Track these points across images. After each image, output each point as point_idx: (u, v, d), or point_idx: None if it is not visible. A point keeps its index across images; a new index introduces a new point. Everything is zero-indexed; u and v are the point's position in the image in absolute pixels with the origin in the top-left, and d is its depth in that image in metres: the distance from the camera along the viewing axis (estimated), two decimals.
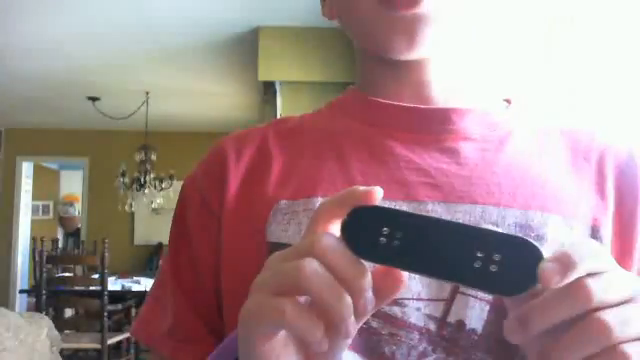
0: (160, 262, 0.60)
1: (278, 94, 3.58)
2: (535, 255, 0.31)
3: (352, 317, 0.32)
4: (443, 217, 0.45)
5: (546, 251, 0.31)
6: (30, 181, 7.15)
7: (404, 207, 0.47)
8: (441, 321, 0.44)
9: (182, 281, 0.54)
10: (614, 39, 1.48)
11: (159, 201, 5.59)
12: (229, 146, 0.55)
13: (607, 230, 0.48)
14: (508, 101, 0.57)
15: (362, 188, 0.33)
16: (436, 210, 0.47)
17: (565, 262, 0.30)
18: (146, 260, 6.86)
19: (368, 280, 0.32)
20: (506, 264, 0.30)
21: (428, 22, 0.47)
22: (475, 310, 0.44)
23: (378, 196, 0.33)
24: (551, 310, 0.30)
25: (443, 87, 0.53)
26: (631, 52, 1.44)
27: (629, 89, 1.44)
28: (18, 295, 6.55)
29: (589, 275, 0.31)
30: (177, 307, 0.54)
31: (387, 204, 0.47)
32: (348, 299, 0.32)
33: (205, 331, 0.53)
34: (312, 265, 0.32)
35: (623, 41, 1.45)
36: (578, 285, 0.31)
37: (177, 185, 5.51)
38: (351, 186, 0.48)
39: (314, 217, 0.36)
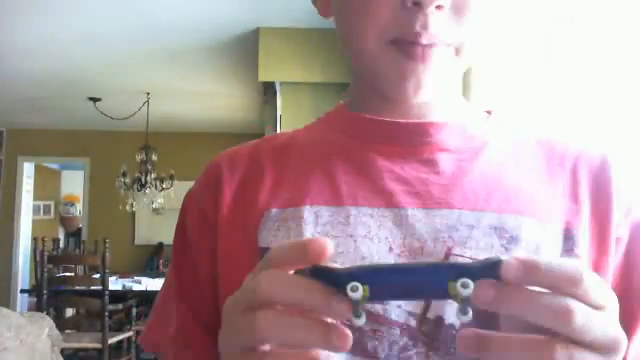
0: (166, 271, 0.65)
1: (278, 94, 3.59)
2: (497, 259, 0.31)
3: (335, 331, 0.31)
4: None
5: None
6: (31, 181, 7.16)
7: (385, 213, 0.50)
8: (421, 317, 0.47)
9: (185, 290, 0.58)
10: (614, 39, 1.48)
11: (160, 201, 5.59)
12: (224, 161, 0.59)
13: (581, 233, 0.51)
14: (489, 112, 0.60)
15: (312, 246, 0.32)
16: (415, 215, 0.50)
17: (529, 264, 0.31)
18: (147, 260, 6.87)
19: (324, 293, 0.31)
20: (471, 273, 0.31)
21: (435, 75, 0.51)
22: (453, 307, 0.46)
23: (329, 253, 0.32)
24: (511, 348, 0.31)
25: (427, 103, 0.56)
26: (631, 52, 1.44)
27: (629, 89, 1.44)
28: (19, 295, 6.57)
29: (561, 339, 0.31)
30: (180, 315, 0.58)
31: (370, 212, 0.51)
32: (315, 328, 0.31)
33: (206, 338, 0.56)
34: (266, 318, 0.32)
35: (623, 41, 1.45)
36: (546, 339, 0.31)
37: (178, 185, 5.55)
38: (337, 194, 0.52)
39: (265, 267, 0.35)
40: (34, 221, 7.29)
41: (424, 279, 0.31)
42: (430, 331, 0.46)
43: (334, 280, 0.31)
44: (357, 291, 0.31)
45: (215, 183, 0.57)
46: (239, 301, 0.35)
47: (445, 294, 0.31)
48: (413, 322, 0.47)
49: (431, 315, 0.47)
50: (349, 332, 0.31)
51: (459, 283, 0.30)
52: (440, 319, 0.46)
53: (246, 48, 3.79)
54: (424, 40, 0.49)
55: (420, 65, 0.50)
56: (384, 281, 0.31)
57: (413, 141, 0.54)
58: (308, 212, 0.52)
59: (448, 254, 0.48)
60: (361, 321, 0.31)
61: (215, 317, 0.55)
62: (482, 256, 0.48)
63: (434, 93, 0.53)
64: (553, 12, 1.65)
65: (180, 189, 5.86)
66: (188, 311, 0.57)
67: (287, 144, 0.60)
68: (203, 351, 0.55)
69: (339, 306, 0.31)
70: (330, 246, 0.32)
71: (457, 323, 0.46)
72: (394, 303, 0.47)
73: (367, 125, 0.56)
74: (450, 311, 0.46)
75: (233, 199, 0.56)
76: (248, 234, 0.53)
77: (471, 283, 0.30)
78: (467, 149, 0.55)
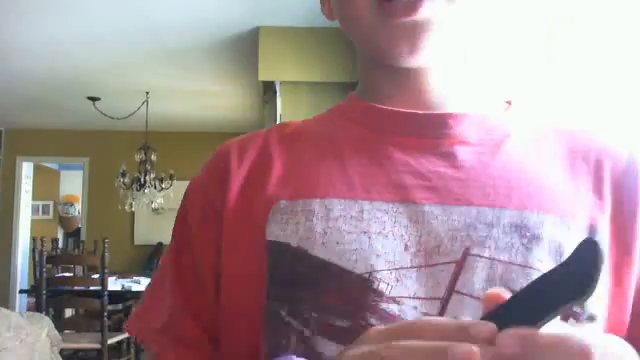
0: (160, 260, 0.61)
1: (278, 94, 3.58)
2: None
3: None
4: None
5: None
6: (30, 181, 7.15)
7: (401, 209, 0.48)
8: None
9: (183, 281, 0.55)
10: (614, 39, 1.48)
11: (159, 201, 5.58)
12: (232, 149, 0.57)
13: (605, 230, 0.48)
14: (509, 103, 0.58)
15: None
16: (432, 212, 0.48)
17: (526, 338, 0.27)
18: (146, 260, 6.86)
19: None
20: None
21: (428, 28, 0.48)
22: (470, 309, 0.44)
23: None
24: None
25: (443, 92, 0.54)
26: (631, 52, 1.44)
27: (630, 89, 1.44)
28: (18, 295, 6.56)
29: None
30: (174, 306, 0.54)
31: (384, 207, 0.48)
32: None
33: (199, 335, 0.53)
34: None
35: (623, 41, 1.45)
36: None
37: (177, 185, 5.53)
38: (349, 187, 0.49)
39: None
40: (33, 221, 7.28)
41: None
42: None
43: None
44: None
45: (222, 172, 0.55)
46: None
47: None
48: None
49: (448, 316, 0.45)
50: None
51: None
52: None
53: (246, 48, 3.78)
54: None
55: (406, 20, 0.47)
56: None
57: (431, 133, 0.52)
58: (319, 205, 0.49)
59: (466, 254, 0.46)
60: None
61: (212, 312, 0.52)
62: (501, 257, 0.46)
63: (434, 51, 0.50)
64: (553, 12, 1.65)
65: (179, 189, 5.87)
66: (184, 304, 0.54)
67: (297, 133, 0.57)
68: (193, 350, 0.52)
69: None
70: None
71: None
72: (410, 304, 0.45)
73: (381, 116, 0.54)
74: (467, 313, 0.44)
75: (240, 189, 0.53)
76: (255, 226, 0.50)
77: None
78: (488, 142, 0.52)
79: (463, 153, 0.51)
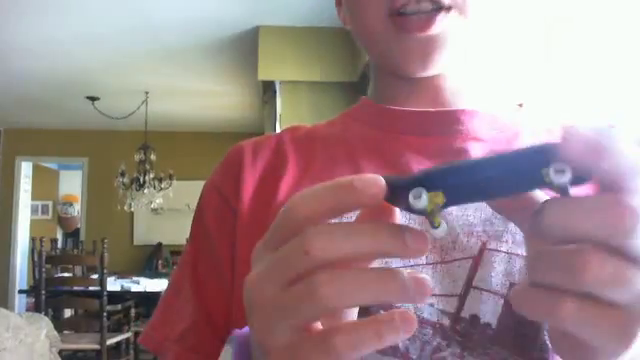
0: (174, 270, 0.59)
1: (278, 94, 3.59)
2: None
3: (412, 280, 0.26)
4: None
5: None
6: (29, 181, 7.15)
7: None
8: (455, 316, 0.44)
9: (201, 286, 0.54)
10: (614, 39, 1.48)
11: (158, 201, 5.59)
12: (246, 148, 0.57)
13: None
14: (520, 105, 0.59)
15: (365, 188, 0.26)
16: (447, 208, 0.47)
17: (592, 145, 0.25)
18: (145, 260, 6.86)
19: (391, 235, 0.26)
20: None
21: (441, 43, 0.49)
22: (489, 304, 0.44)
23: (384, 191, 0.26)
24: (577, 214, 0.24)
25: (455, 91, 0.55)
26: (631, 52, 1.44)
27: (629, 89, 1.44)
28: (17, 295, 6.56)
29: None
30: (192, 314, 0.54)
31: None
32: (386, 276, 0.26)
33: (215, 343, 0.52)
34: (328, 281, 0.26)
35: (623, 41, 1.45)
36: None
37: (176, 185, 5.54)
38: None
39: (289, 219, 0.28)
40: (32, 221, 7.28)
41: (511, 171, 0.25)
42: (465, 330, 0.44)
43: (399, 192, 0.25)
44: (420, 198, 0.25)
45: (237, 171, 0.55)
46: (277, 273, 0.28)
47: (541, 183, 0.24)
48: (446, 321, 0.44)
49: (466, 314, 0.44)
50: (425, 276, 0.26)
51: (552, 169, 0.24)
52: (475, 317, 0.44)
53: (246, 47, 3.79)
54: (421, 2, 0.47)
55: (420, 35, 0.48)
56: (462, 183, 0.26)
57: (444, 130, 0.52)
58: None
59: (482, 249, 0.45)
60: (441, 231, 0.26)
61: (227, 317, 0.52)
62: (519, 251, 0.45)
63: (446, 62, 0.51)
64: (553, 12, 1.65)
65: (179, 189, 5.84)
66: (202, 310, 0.53)
67: (310, 135, 0.58)
68: (207, 358, 0.51)
69: (414, 244, 0.26)
70: (383, 183, 0.25)
71: (493, 322, 0.44)
72: (427, 301, 0.44)
73: (394, 116, 0.54)
74: (485, 309, 0.44)
75: (255, 190, 0.53)
76: (268, 225, 0.49)
77: (568, 168, 0.24)
78: (500, 138, 0.53)
79: (476, 150, 0.51)
